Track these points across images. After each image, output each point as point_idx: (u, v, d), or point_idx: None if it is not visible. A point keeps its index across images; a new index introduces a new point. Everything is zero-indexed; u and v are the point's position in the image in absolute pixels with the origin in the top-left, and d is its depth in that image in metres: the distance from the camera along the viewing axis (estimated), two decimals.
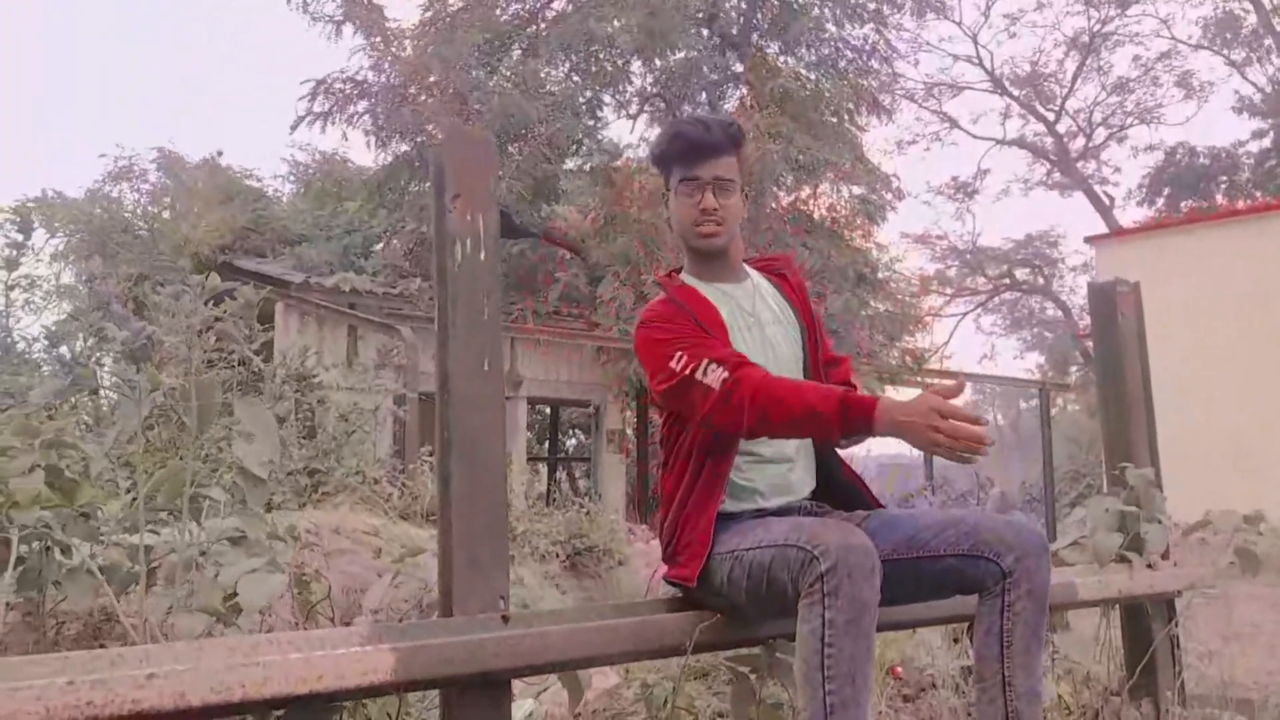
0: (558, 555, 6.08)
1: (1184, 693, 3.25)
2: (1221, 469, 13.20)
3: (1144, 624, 3.20)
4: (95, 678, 1.43)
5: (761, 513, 2.18)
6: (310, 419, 7.66)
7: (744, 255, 2.41)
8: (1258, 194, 25.96)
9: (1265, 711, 3.24)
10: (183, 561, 2.25)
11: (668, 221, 2.42)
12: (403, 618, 2.49)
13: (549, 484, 15.52)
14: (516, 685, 3.13)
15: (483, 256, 2.00)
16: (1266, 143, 26.57)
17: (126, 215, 14.91)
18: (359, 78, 11.97)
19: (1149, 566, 3.12)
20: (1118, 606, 3.18)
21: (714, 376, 2.04)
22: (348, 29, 12.48)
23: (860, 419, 1.96)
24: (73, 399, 5.47)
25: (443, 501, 1.95)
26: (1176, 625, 3.26)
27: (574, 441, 19.57)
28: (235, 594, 2.09)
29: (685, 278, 2.33)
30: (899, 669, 3.44)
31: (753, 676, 2.21)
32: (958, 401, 1.98)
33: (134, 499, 3.08)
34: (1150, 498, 3.14)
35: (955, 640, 3.59)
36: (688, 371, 2.07)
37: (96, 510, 2.38)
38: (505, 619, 1.89)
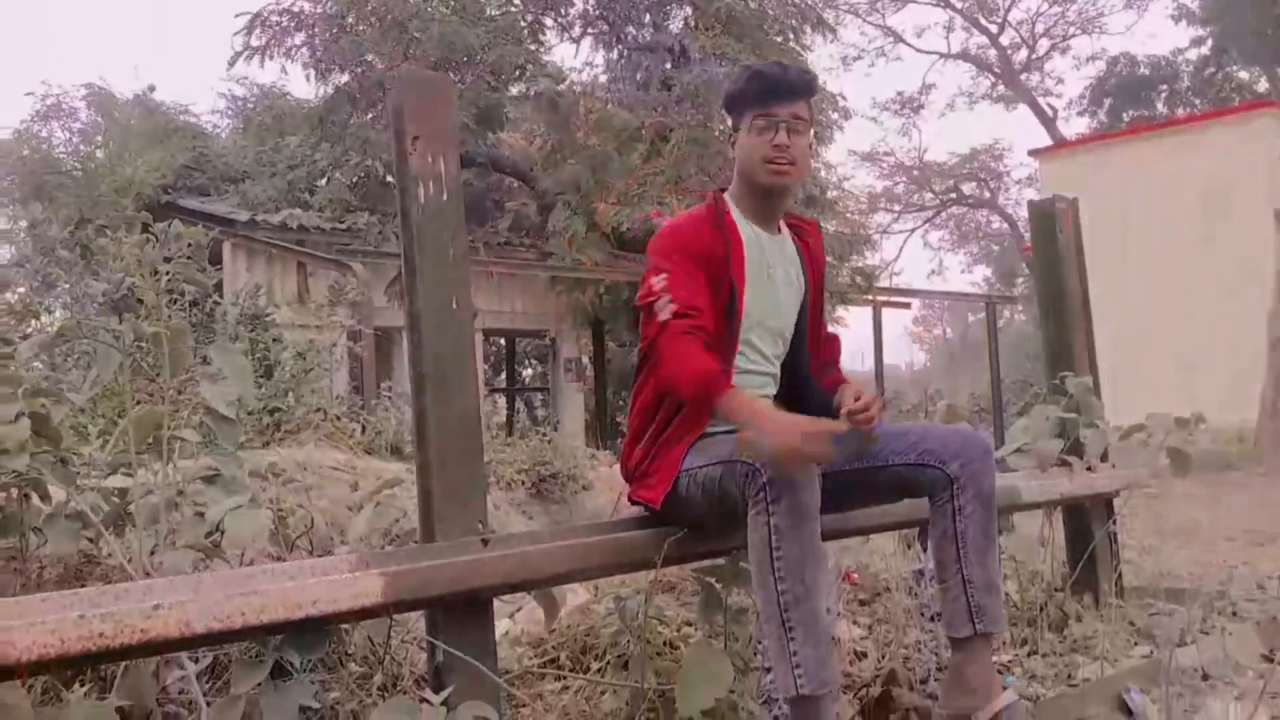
0: (523, 483, 6.20)
1: (1121, 585, 3.47)
2: (1165, 373, 13.63)
3: (1084, 523, 3.39)
4: (103, 610, 1.52)
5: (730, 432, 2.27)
6: (266, 358, 7.67)
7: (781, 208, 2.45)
8: (1197, 102, 26.33)
9: (1196, 598, 3.46)
10: (163, 502, 2.32)
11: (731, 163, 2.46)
12: (385, 545, 2.59)
13: (509, 414, 15.63)
14: (494, 603, 3.27)
15: (445, 198, 2.06)
16: (1205, 50, 26.80)
17: (59, 155, 14.51)
18: (295, 9, 11.67)
19: (1088, 469, 3.30)
20: (1060, 508, 3.36)
21: (664, 308, 2.17)
22: None
23: (704, 401, 2.12)
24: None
25: (420, 435, 2.04)
26: (1115, 523, 3.46)
27: (530, 372, 19.61)
28: (218, 530, 2.18)
29: (730, 206, 2.39)
30: (854, 574, 3.59)
31: (719, 586, 2.34)
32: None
33: (105, 443, 3.13)
34: (1089, 404, 3.31)
35: (908, 546, 3.77)
36: (657, 289, 2.20)
37: (72, 456, 2.43)
38: (485, 542, 2.00)
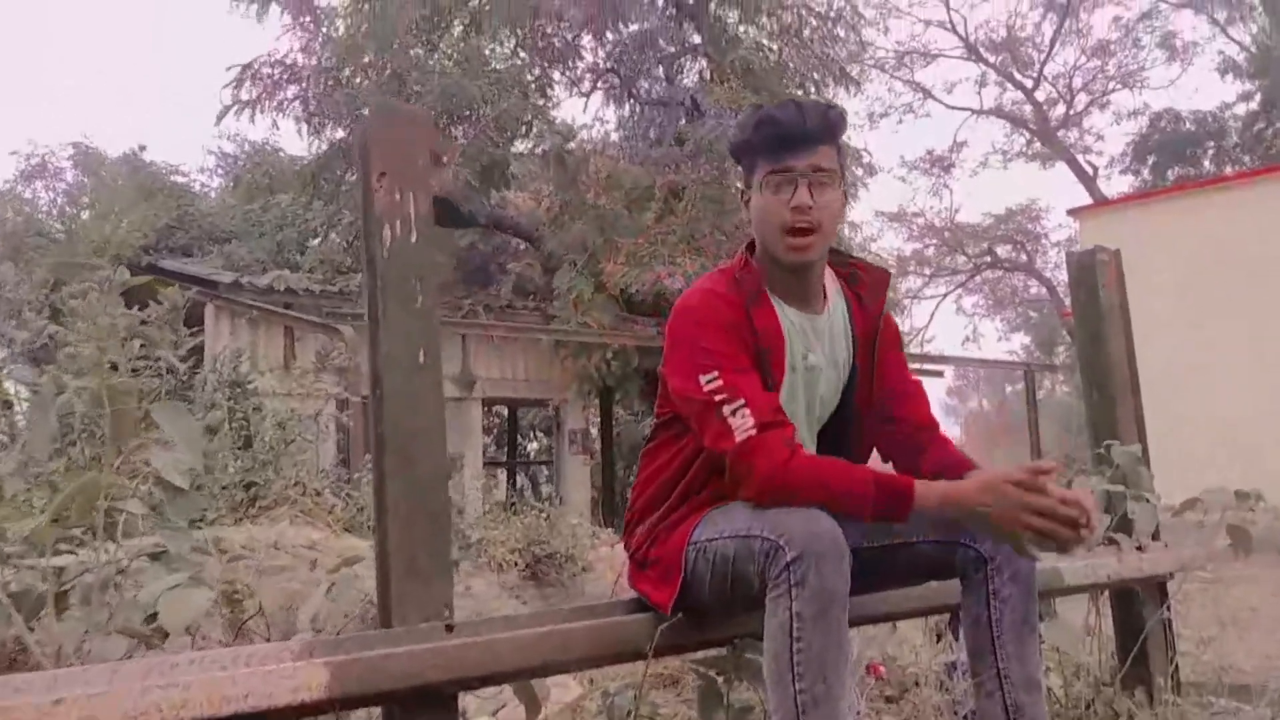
0: (516, 564, 6.05)
1: (1179, 679, 3.29)
2: (1213, 451, 13.37)
3: (1135, 609, 3.23)
4: None
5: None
6: (246, 428, 7.58)
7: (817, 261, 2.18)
8: (1246, 159, 26.37)
9: (1263, 696, 3.28)
10: (99, 582, 2.21)
11: (748, 228, 2.23)
12: (340, 631, 2.46)
13: (509, 490, 15.49)
14: (471, 700, 3.12)
15: (414, 239, 1.98)
16: (1254, 105, 26.95)
17: (41, 216, 14.68)
18: (288, 61, 11.86)
19: (1138, 549, 3.14)
20: (1107, 592, 3.21)
21: (739, 423, 1.96)
22: (274, 9, 12.37)
23: (893, 508, 1.92)
24: None
25: (379, 505, 1.93)
26: (1169, 609, 3.30)
27: (536, 445, 19.53)
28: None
29: (765, 285, 2.16)
30: (880, 667, 3.45)
31: (719, 679, 2.20)
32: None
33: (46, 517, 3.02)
34: (1138, 476, 3.16)
35: (939, 637, 3.61)
36: (716, 400, 1.98)
37: (4, 531, 2.33)
38: (449, 628, 1.88)
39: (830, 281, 2.25)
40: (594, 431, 14.50)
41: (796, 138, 2.07)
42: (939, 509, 1.92)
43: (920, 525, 2.05)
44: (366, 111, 11.39)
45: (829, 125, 2.10)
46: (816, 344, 2.17)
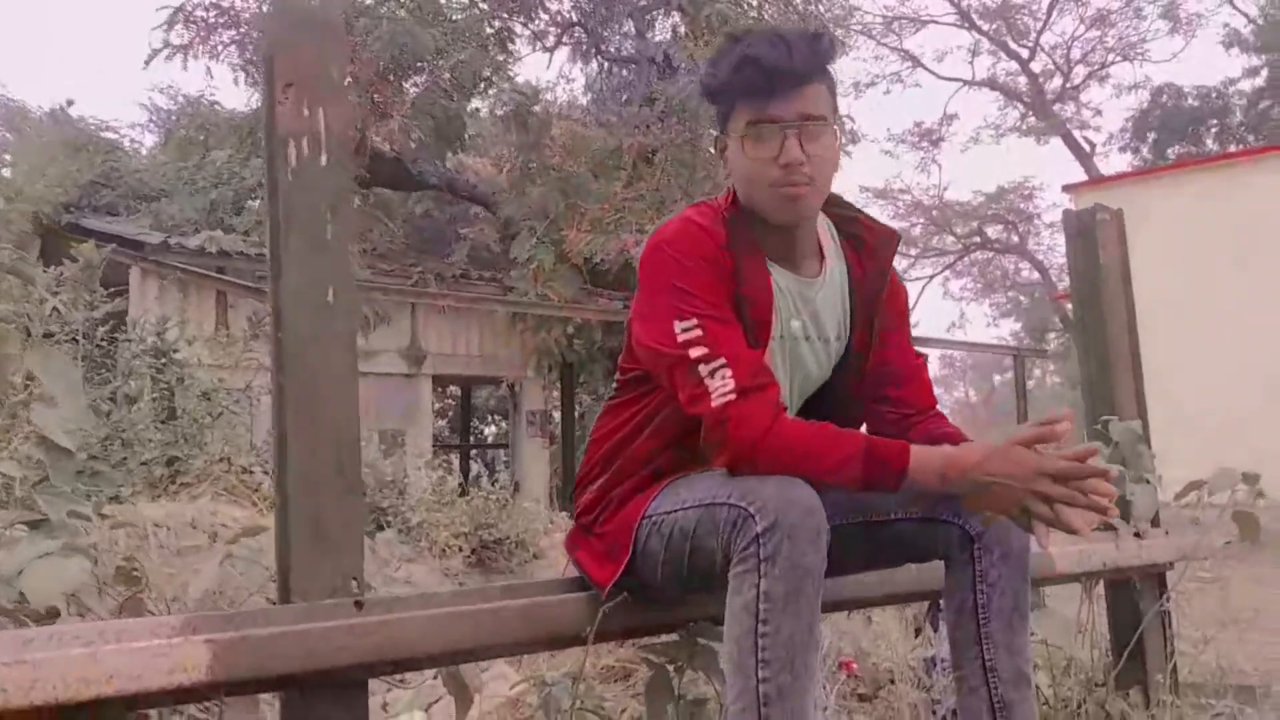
0: (460, 549, 5.92)
1: (1177, 679, 3.22)
2: (1217, 434, 13.39)
3: (1131, 601, 3.16)
4: None
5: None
6: (169, 399, 7.42)
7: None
8: (1250, 138, 26.57)
9: (1268, 699, 3.22)
10: None
11: (726, 179, 2.02)
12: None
13: (464, 476, 15.34)
14: (400, 693, 3.00)
15: (324, 161, 1.84)
16: (1260, 81, 27.12)
17: None
18: (224, 3, 11.57)
19: (1136, 535, 3.07)
20: (1101, 581, 3.13)
21: (718, 385, 1.80)
22: None
23: (885, 476, 1.78)
24: None
25: (279, 464, 1.79)
26: (1168, 602, 3.22)
27: (493, 430, 19.42)
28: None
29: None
30: (853, 663, 3.36)
31: (670, 667, 2.08)
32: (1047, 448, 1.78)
33: None
34: (1138, 455, 3.08)
35: (917, 631, 3.54)
36: (692, 356, 1.82)
37: None
38: (359, 604, 1.74)
39: (827, 238, 2.08)
40: (555, 414, 14.36)
41: (783, 79, 1.86)
42: (939, 477, 1.78)
43: (900, 500, 1.93)
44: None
45: (819, 58, 1.90)
46: (804, 311, 2.01)
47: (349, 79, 11.72)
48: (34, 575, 1.79)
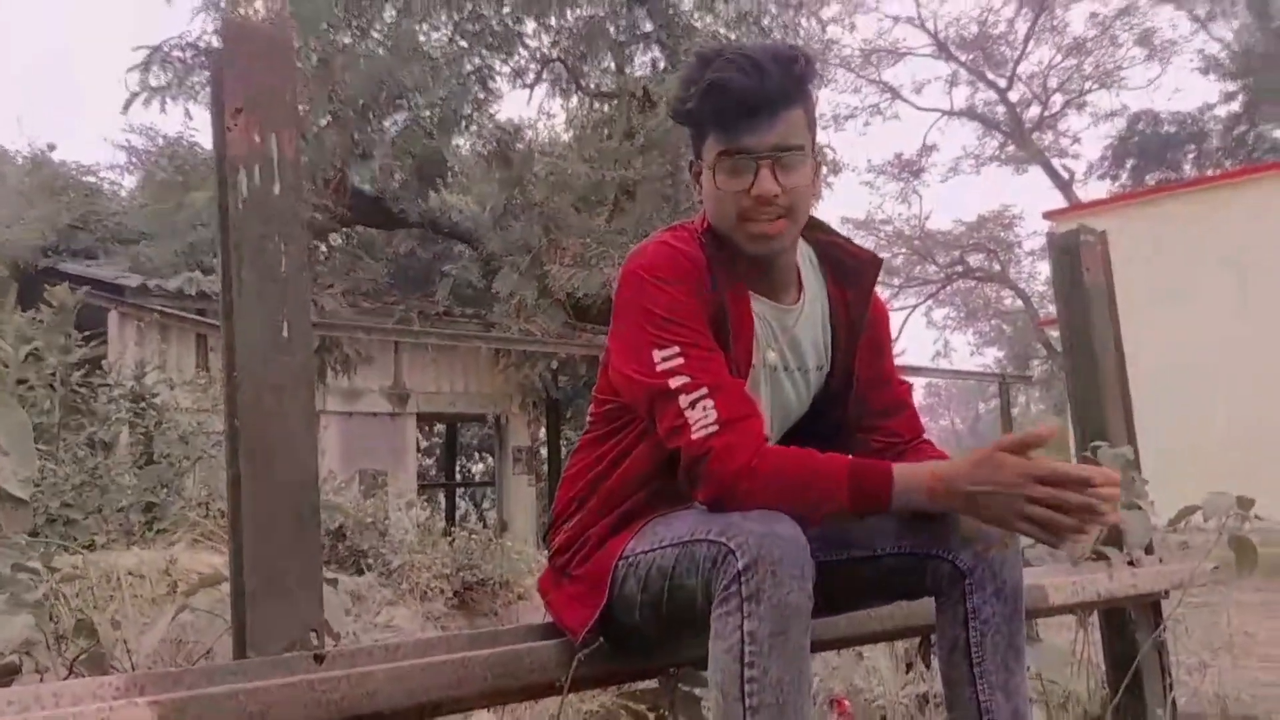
0: (442, 591, 5.80)
1: (1175, 711, 3.14)
2: (1204, 459, 13.32)
3: (1127, 632, 3.08)
4: None
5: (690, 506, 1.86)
6: (148, 443, 7.30)
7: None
8: (1228, 163, 26.76)
9: None
10: None
11: (699, 203, 1.95)
12: (197, 663, 2.22)
13: (450, 514, 15.18)
14: None
15: (277, 189, 1.75)
16: (1235, 106, 27.34)
17: None
18: (201, 44, 11.52)
19: (1130, 564, 3.00)
20: (1096, 613, 3.05)
21: (699, 417, 1.71)
22: None
23: (871, 498, 1.70)
24: None
25: (232, 511, 1.70)
26: (1164, 632, 3.14)
27: (480, 467, 19.28)
28: None
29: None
30: (845, 701, 3.27)
31: (651, 716, 1.98)
32: (1043, 453, 1.69)
33: None
34: (1129, 481, 3.00)
35: (909, 666, 3.44)
36: (672, 386, 1.74)
37: None
38: (319, 658, 1.65)
39: (806, 265, 2.00)
40: (542, 450, 14.24)
41: (755, 107, 1.77)
42: (927, 492, 1.69)
43: (888, 534, 1.85)
44: (305, 110, 11.20)
45: (794, 82, 1.80)
46: (782, 340, 1.94)
47: (328, 118, 11.73)
48: None
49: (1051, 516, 1.63)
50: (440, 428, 17.23)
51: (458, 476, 17.84)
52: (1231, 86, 27.13)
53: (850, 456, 1.76)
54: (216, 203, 1.76)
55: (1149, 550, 3.12)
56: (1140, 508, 3.01)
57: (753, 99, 1.77)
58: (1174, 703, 3.16)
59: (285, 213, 1.75)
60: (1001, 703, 1.80)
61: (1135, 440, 3.24)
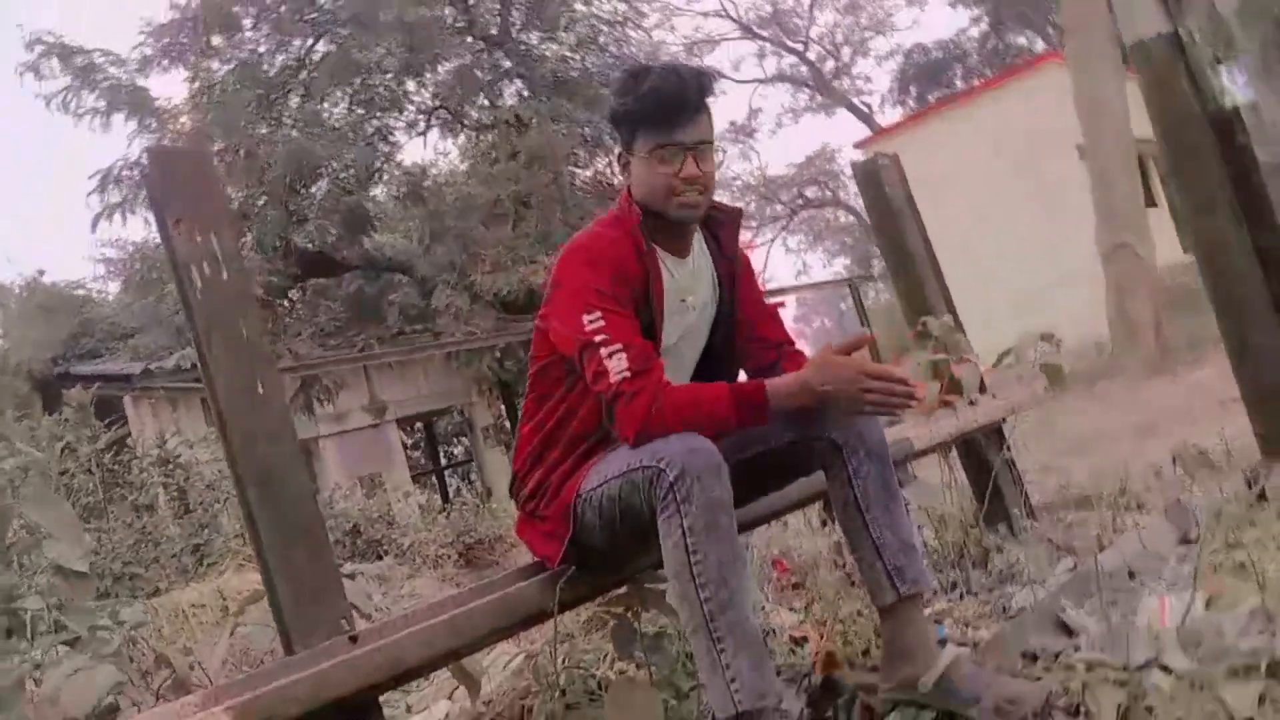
0: (450, 557, 5.77)
1: (1030, 506, 3.26)
2: (1013, 314, 13.71)
3: (982, 456, 3.18)
4: None
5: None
6: (182, 496, 7.15)
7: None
8: (988, 72, 27.28)
9: (1102, 501, 3.27)
10: (12, 683, 1.92)
11: (625, 189, 2.01)
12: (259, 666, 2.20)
13: (443, 494, 15.05)
14: (425, 692, 2.88)
15: (226, 276, 1.72)
16: (984, 26, 27.85)
17: None
18: (144, 161, 11.10)
19: (971, 404, 3.08)
20: (954, 448, 3.14)
21: (615, 365, 1.78)
22: (117, 117, 11.58)
23: (752, 410, 1.78)
24: None
25: (253, 540, 1.68)
26: (1009, 449, 3.25)
27: (461, 449, 19.04)
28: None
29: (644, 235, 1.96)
30: (783, 561, 3.33)
31: (629, 614, 2.02)
32: (865, 354, 1.83)
33: None
34: (955, 342, 3.07)
35: (823, 523, 3.52)
36: (596, 340, 1.80)
37: None
38: (353, 639, 1.65)
39: (696, 238, 2.08)
40: (506, 425, 14.17)
41: (681, 108, 1.88)
42: (794, 399, 1.79)
43: (775, 431, 1.90)
44: (235, 193, 10.87)
45: (708, 92, 1.93)
46: (685, 283, 2.02)
47: (264, 198, 11.41)
48: (69, 691, 1.66)
49: (886, 400, 1.76)
50: (419, 425, 17.02)
51: (443, 461, 17.64)
52: (976, 11, 27.59)
53: (730, 384, 1.83)
54: (179, 296, 1.73)
55: (982, 389, 3.21)
56: (969, 360, 3.10)
57: (681, 103, 1.89)
58: (1028, 500, 3.29)
59: (237, 293, 1.72)
60: (890, 537, 1.87)
61: (955, 310, 3.33)
